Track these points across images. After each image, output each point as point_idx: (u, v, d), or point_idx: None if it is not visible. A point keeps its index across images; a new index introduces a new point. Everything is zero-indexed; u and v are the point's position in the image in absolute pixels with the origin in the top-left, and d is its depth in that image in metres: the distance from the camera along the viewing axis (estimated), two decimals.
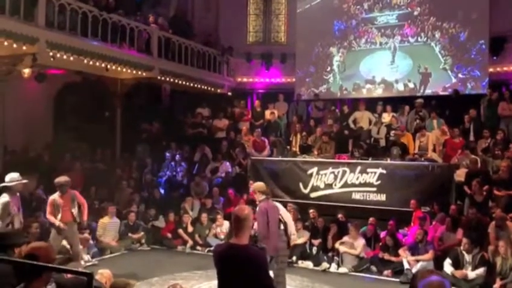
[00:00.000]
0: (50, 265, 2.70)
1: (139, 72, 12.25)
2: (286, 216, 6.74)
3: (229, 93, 15.49)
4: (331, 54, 14.70)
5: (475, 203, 9.02)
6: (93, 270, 2.67)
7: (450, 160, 10.36)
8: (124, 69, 11.72)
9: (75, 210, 7.58)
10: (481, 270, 7.52)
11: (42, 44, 9.49)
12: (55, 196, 7.54)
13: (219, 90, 15.20)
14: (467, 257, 7.72)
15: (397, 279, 7.91)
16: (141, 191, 11.79)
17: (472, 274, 7.54)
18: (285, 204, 10.18)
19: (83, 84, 12.82)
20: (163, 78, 12.96)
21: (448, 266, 7.80)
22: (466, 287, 7.51)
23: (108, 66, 11.22)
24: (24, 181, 7.19)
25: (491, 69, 12.73)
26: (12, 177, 6.88)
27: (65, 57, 10.07)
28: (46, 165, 11.78)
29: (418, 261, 8.06)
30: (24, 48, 9.35)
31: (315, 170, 10.83)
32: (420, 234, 8.34)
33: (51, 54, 9.76)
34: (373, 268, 8.60)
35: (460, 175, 9.80)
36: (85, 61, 10.56)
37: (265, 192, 6.32)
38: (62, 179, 7.62)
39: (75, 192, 7.83)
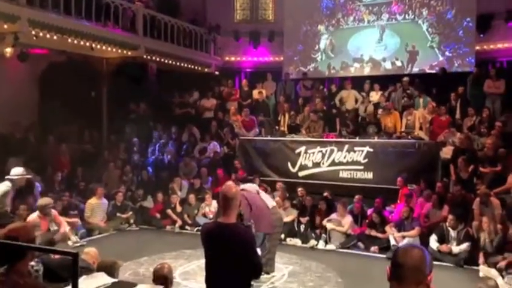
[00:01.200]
0: (35, 246, 2.67)
1: (125, 51, 12.06)
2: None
3: (217, 73, 15.36)
4: (319, 32, 14.60)
5: (461, 180, 9.16)
6: (79, 251, 2.65)
7: (437, 138, 10.45)
8: (109, 48, 11.53)
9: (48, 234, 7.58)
10: (465, 245, 7.68)
11: (24, 22, 9.27)
12: (34, 217, 7.47)
13: (206, 70, 15.05)
14: (453, 233, 7.87)
15: (384, 255, 8.04)
16: (129, 172, 11.75)
17: (456, 249, 7.70)
18: (273, 183, 10.36)
19: (68, 64, 12.59)
20: (149, 57, 12.78)
21: (433, 242, 7.96)
22: (450, 262, 7.68)
23: (93, 46, 11.03)
24: (28, 176, 7.26)
25: (478, 47, 12.75)
26: (17, 172, 7.03)
27: (48, 36, 9.86)
28: (32, 147, 11.67)
29: (404, 237, 8.20)
30: (5, 26, 9.13)
31: (303, 149, 10.88)
32: (406, 211, 8.47)
33: (33, 33, 9.55)
34: (360, 245, 8.74)
35: (446, 153, 9.91)
36: (69, 40, 10.36)
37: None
38: (44, 201, 7.63)
39: (55, 214, 7.83)
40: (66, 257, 2.72)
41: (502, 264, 6.82)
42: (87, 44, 10.86)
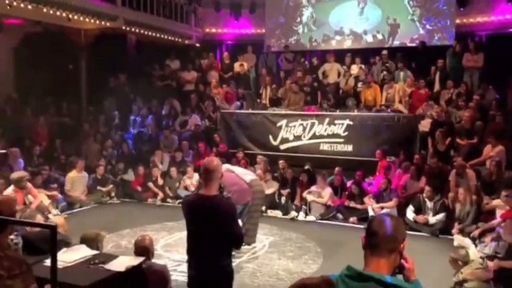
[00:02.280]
0: (12, 219, 2.66)
1: (103, 22, 11.79)
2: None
3: (197, 45, 15.16)
4: (301, 4, 14.46)
5: (438, 152, 9.34)
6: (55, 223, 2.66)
7: (416, 111, 10.59)
8: (87, 19, 11.24)
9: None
10: (440, 216, 7.90)
11: None
12: (9, 191, 7.39)
13: (186, 41, 14.84)
14: (429, 204, 8.07)
15: (362, 226, 8.20)
16: (109, 146, 11.66)
17: (432, 219, 7.92)
18: (255, 156, 10.42)
19: (44, 35, 12.26)
20: (128, 28, 12.52)
21: (410, 213, 8.16)
22: (426, 232, 7.90)
23: (70, 16, 10.74)
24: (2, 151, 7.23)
25: (458, 21, 12.82)
26: None
27: (22, 5, 9.56)
28: (9, 120, 11.45)
29: (382, 208, 8.38)
30: None
31: (284, 122, 10.92)
32: (384, 183, 8.64)
33: (7, 1, 9.25)
34: (340, 216, 8.92)
35: (424, 125, 10.07)
36: (44, 10, 10.06)
37: None
38: (19, 174, 7.53)
39: (30, 187, 7.74)
40: (44, 230, 2.73)
41: (476, 233, 7.04)
42: (64, 14, 10.56)
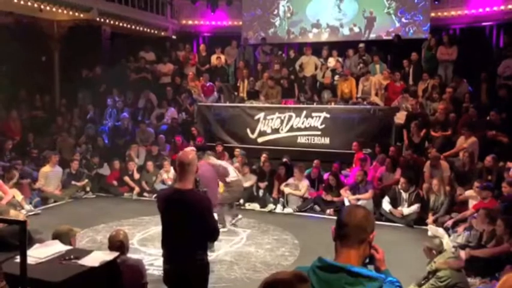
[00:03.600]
0: None
1: (77, 14, 11.55)
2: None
3: (174, 37, 14.99)
4: None
5: (413, 144, 9.48)
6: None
7: (391, 103, 10.71)
8: (59, 10, 11.00)
9: None
10: (415, 207, 8.03)
11: None
12: None
13: (162, 33, 14.66)
14: (404, 195, 8.20)
15: None
16: (84, 140, 11.46)
17: (407, 210, 8.05)
18: (232, 150, 10.39)
19: (15, 26, 11.93)
20: (102, 20, 12.29)
21: (386, 204, 8.27)
22: (401, 223, 8.03)
23: (42, 7, 10.49)
24: None
25: (432, 14, 13.00)
26: None
27: None
28: None
29: (358, 200, 8.47)
30: None
31: (262, 115, 10.92)
32: (360, 174, 8.72)
33: None
34: (317, 208, 8.98)
35: (399, 118, 10.20)
36: (15, 0, 9.80)
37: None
38: None
39: (0, 183, 7.56)
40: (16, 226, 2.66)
41: (449, 223, 7.19)
42: (35, 5, 10.32)
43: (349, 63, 12.34)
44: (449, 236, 6.77)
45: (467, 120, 9.46)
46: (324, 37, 14.01)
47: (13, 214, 4.86)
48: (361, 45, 12.39)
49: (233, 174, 7.50)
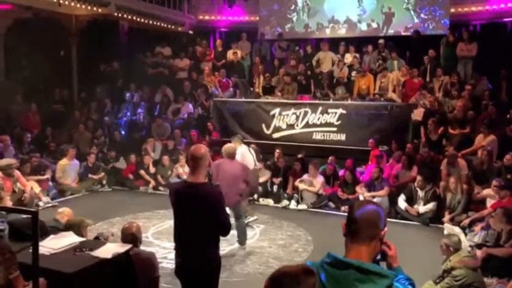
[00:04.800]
0: None
1: (95, 8, 11.66)
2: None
3: (191, 32, 15.02)
4: None
5: (430, 141, 9.34)
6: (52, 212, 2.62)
7: (409, 100, 10.58)
8: (78, 5, 11.11)
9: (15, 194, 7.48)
10: (431, 205, 7.91)
11: None
12: None
13: (179, 29, 14.70)
14: (420, 193, 8.09)
15: None
16: (101, 134, 11.58)
17: (423, 208, 7.94)
18: (247, 145, 10.36)
19: (34, 21, 12.09)
20: (120, 15, 12.37)
21: (402, 202, 8.17)
22: (417, 221, 7.93)
23: (61, 1, 10.60)
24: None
25: (452, 10, 12.77)
26: None
27: None
28: None
29: (374, 197, 8.38)
30: None
31: (277, 111, 10.88)
32: (376, 172, 8.63)
33: None
34: (331, 204, 8.92)
35: (417, 115, 10.06)
36: None
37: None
38: (5, 162, 7.46)
39: (18, 175, 7.66)
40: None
41: (466, 222, 7.07)
42: None
43: (367, 59, 12.21)
44: (465, 235, 6.66)
45: (486, 118, 9.29)
46: (342, 33, 13.88)
47: (62, 210, 5.00)
48: (381, 41, 12.23)
49: (252, 163, 7.54)
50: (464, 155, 8.76)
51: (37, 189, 8.49)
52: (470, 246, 6.09)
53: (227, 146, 6.80)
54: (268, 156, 10.06)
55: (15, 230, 3.75)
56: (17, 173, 7.81)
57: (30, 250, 3.31)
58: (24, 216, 4.25)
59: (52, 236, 4.02)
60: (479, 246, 5.92)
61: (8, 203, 7.12)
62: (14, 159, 7.90)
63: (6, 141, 9.57)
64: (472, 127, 9.34)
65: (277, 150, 9.92)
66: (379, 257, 1.95)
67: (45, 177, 8.99)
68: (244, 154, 7.67)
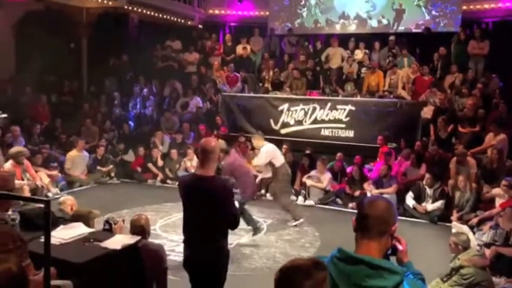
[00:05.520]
0: (8, 193, 2.65)
1: (105, 1, 11.69)
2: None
3: (200, 26, 15.01)
4: None
5: (439, 139, 9.29)
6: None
7: (418, 97, 10.51)
8: None
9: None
10: (439, 203, 7.88)
11: None
12: (8, 165, 7.39)
13: (189, 22, 14.69)
14: (429, 191, 8.05)
15: None
16: (110, 126, 11.63)
17: (431, 206, 7.91)
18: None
19: (45, 13, 12.16)
20: (130, 8, 12.40)
21: (410, 199, 8.15)
22: (425, 219, 7.90)
23: None
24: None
25: (464, 7, 12.64)
26: None
27: None
28: (9, 98, 11.40)
29: (381, 194, 8.34)
30: None
31: (285, 106, 10.85)
32: (385, 169, 8.60)
33: None
34: (339, 201, 8.91)
35: (426, 112, 9.99)
36: None
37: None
38: (17, 149, 7.53)
39: (27, 165, 7.72)
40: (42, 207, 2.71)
41: (474, 221, 7.03)
42: None
43: (377, 55, 12.14)
44: (474, 234, 6.63)
45: (496, 117, 9.21)
46: (352, 29, 13.80)
47: (64, 200, 5.02)
48: (391, 37, 12.16)
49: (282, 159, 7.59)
50: (473, 153, 8.70)
51: (46, 180, 8.55)
52: (478, 245, 6.06)
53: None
54: None
55: (26, 219, 3.78)
56: (27, 162, 7.87)
57: (40, 240, 3.36)
58: (35, 206, 4.31)
59: (62, 226, 4.05)
60: (487, 245, 5.90)
61: (26, 193, 7.20)
62: (24, 148, 7.97)
63: (16, 131, 9.64)
64: (482, 125, 9.26)
65: (284, 146, 9.90)
66: (389, 252, 1.95)
67: (54, 172, 9.04)
68: (276, 149, 7.66)
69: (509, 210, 5.93)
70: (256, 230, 6.72)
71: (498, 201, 7.21)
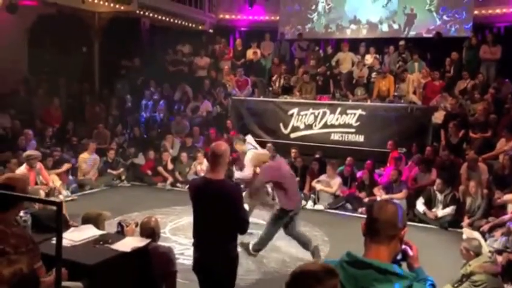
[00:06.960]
0: (23, 195, 2.69)
1: (117, 6, 11.79)
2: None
3: (211, 31, 15.09)
4: None
5: (450, 144, 9.22)
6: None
7: (429, 102, 10.46)
8: (101, 2, 11.26)
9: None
10: (450, 209, 7.81)
11: None
12: (22, 169, 7.49)
13: (200, 27, 14.77)
14: (439, 197, 7.99)
15: None
16: (121, 130, 11.71)
17: (441, 212, 7.85)
18: (264, 144, 10.37)
19: (58, 17, 12.30)
20: (142, 12, 12.50)
21: (420, 205, 8.09)
22: (435, 224, 7.84)
23: None
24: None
25: (476, 12, 12.58)
26: None
27: None
28: (22, 101, 11.54)
29: (391, 199, 8.31)
30: None
31: (295, 110, 10.86)
32: (395, 174, 8.56)
33: None
34: (348, 206, 8.88)
35: (437, 117, 9.94)
36: None
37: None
38: (30, 152, 7.61)
39: (41, 167, 7.80)
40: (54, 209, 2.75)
41: (485, 227, 6.96)
42: None
43: (388, 60, 12.10)
44: (485, 240, 6.56)
45: (508, 122, 9.14)
46: (362, 33, 13.78)
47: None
48: (402, 42, 12.13)
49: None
50: (485, 159, 8.62)
51: (57, 182, 8.63)
52: (490, 251, 5.99)
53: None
54: (285, 156, 10.01)
55: (37, 221, 3.82)
56: (40, 165, 7.94)
57: (52, 242, 3.39)
58: (46, 208, 4.36)
59: (73, 228, 4.09)
60: (499, 252, 5.83)
61: (42, 196, 7.27)
62: (37, 152, 8.06)
63: (29, 135, 9.75)
64: (493, 131, 9.19)
65: (293, 150, 9.90)
66: (400, 257, 1.94)
67: (67, 165, 9.17)
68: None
69: None
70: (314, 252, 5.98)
71: (510, 208, 7.14)
